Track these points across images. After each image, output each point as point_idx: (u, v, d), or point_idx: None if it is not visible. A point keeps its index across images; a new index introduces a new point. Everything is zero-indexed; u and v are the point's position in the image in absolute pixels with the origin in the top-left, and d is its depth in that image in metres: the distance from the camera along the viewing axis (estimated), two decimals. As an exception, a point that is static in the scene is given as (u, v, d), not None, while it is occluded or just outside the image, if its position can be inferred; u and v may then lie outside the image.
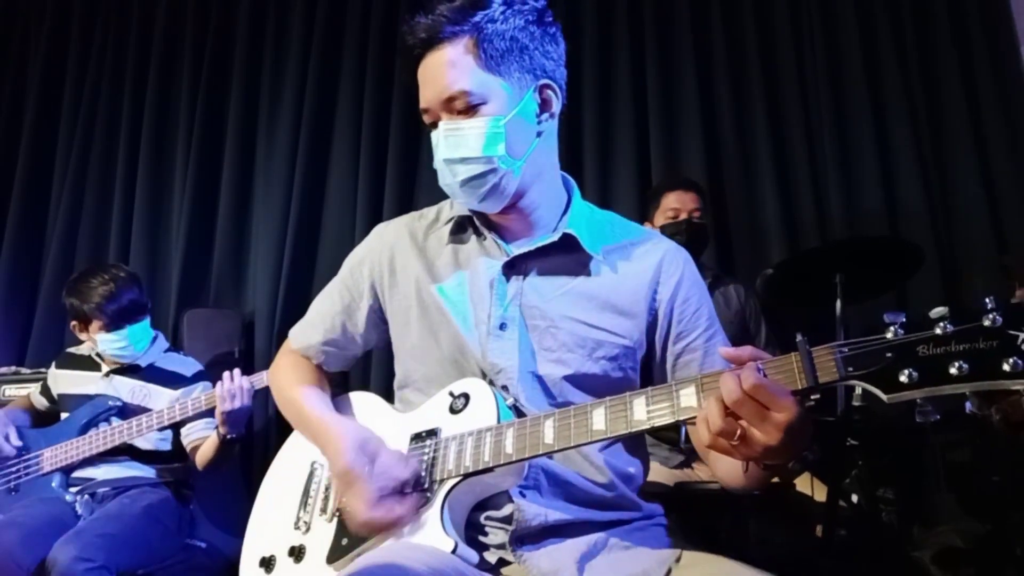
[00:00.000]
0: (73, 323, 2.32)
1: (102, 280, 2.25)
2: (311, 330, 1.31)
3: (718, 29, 3.03)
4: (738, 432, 0.81)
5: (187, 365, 2.41)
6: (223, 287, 3.31)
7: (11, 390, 2.67)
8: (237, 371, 2.10)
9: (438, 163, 1.11)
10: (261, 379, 2.10)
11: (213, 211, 3.39)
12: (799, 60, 2.95)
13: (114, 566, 1.89)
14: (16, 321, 3.46)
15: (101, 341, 2.26)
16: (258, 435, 3.03)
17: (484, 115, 1.07)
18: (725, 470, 1.06)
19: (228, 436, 2.13)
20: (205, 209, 3.38)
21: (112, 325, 2.24)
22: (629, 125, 3.01)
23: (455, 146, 1.08)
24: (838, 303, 2.03)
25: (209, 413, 2.18)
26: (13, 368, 2.90)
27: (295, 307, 3.07)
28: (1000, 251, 2.60)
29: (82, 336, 2.33)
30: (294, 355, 1.33)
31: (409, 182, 3.21)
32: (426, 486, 1.03)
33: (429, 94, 1.10)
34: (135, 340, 2.29)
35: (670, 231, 2.33)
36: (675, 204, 2.47)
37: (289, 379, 1.29)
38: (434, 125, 1.12)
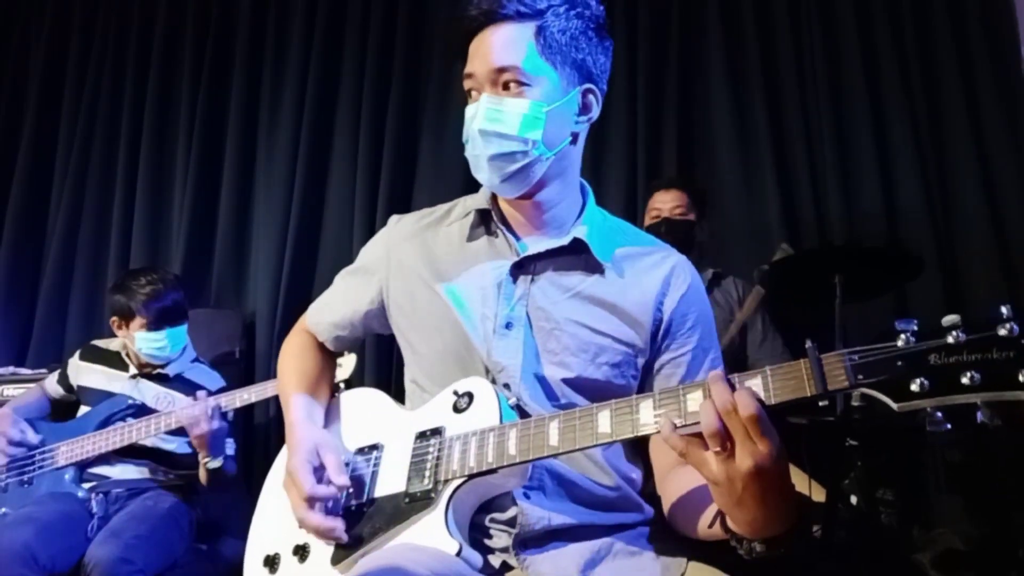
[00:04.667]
0: (113, 319, 2.33)
1: (150, 280, 2.29)
2: (326, 309, 1.36)
3: (717, 29, 3.02)
4: (727, 443, 0.81)
5: (212, 379, 2.43)
6: (224, 287, 3.31)
7: (10, 390, 2.66)
8: (202, 393, 2.13)
9: (471, 133, 1.11)
10: (234, 400, 2.14)
11: (214, 211, 3.39)
12: (799, 60, 2.94)
13: (148, 569, 1.92)
14: (16, 321, 3.46)
15: (139, 339, 2.27)
16: (258, 435, 3.02)
17: (528, 98, 1.09)
18: (683, 514, 1.04)
19: (205, 462, 2.13)
20: (206, 209, 3.38)
21: (153, 324, 2.26)
22: (625, 126, 3.00)
23: (494, 120, 1.09)
24: (837, 304, 2.03)
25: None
26: (11, 369, 2.90)
27: (296, 307, 3.03)
28: (1001, 251, 2.60)
29: (119, 333, 2.34)
30: (305, 335, 1.38)
31: (408, 182, 3.21)
32: (430, 488, 1.02)
33: (479, 63, 1.11)
34: (172, 342, 2.31)
35: (652, 232, 2.32)
36: (657, 204, 2.49)
37: (291, 366, 1.33)
38: (469, 95, 1.14)
